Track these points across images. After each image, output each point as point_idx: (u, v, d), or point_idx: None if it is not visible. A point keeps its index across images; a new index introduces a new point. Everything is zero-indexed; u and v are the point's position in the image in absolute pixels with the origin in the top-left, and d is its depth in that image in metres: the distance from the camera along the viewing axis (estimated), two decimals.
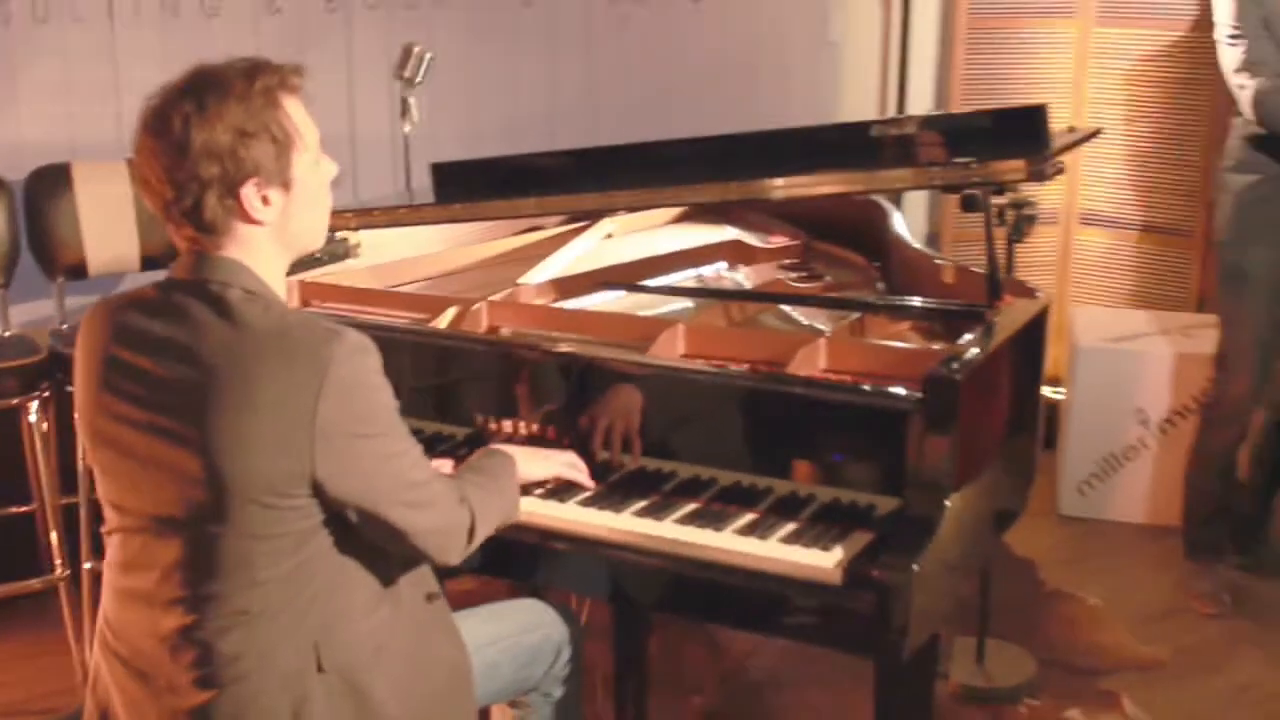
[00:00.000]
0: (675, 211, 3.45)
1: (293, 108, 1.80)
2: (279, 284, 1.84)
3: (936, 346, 2.42)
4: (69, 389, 2.62)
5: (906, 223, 3.11)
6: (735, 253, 3.13)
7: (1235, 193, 3.53)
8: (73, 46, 3.76)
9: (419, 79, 3.43)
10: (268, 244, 1.81)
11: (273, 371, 1.71)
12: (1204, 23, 4.24)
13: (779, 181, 2.60)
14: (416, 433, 1.93)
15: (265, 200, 1.77)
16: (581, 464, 2.24)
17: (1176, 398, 4.06)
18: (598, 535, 2.14)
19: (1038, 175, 2.38)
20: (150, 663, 1.82)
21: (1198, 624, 3.57)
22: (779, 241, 3.25)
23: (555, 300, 2.75)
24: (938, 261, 2.82)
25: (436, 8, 4.18)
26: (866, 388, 2.13)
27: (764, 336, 2.52)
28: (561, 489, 2.23)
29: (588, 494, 2.22)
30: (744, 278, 3.02)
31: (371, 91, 4.09)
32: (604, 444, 2.28)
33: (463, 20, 4.25)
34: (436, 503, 1.87)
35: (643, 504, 2.19)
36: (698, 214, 3.44)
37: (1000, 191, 2.43)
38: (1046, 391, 4.25)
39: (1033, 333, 2.45)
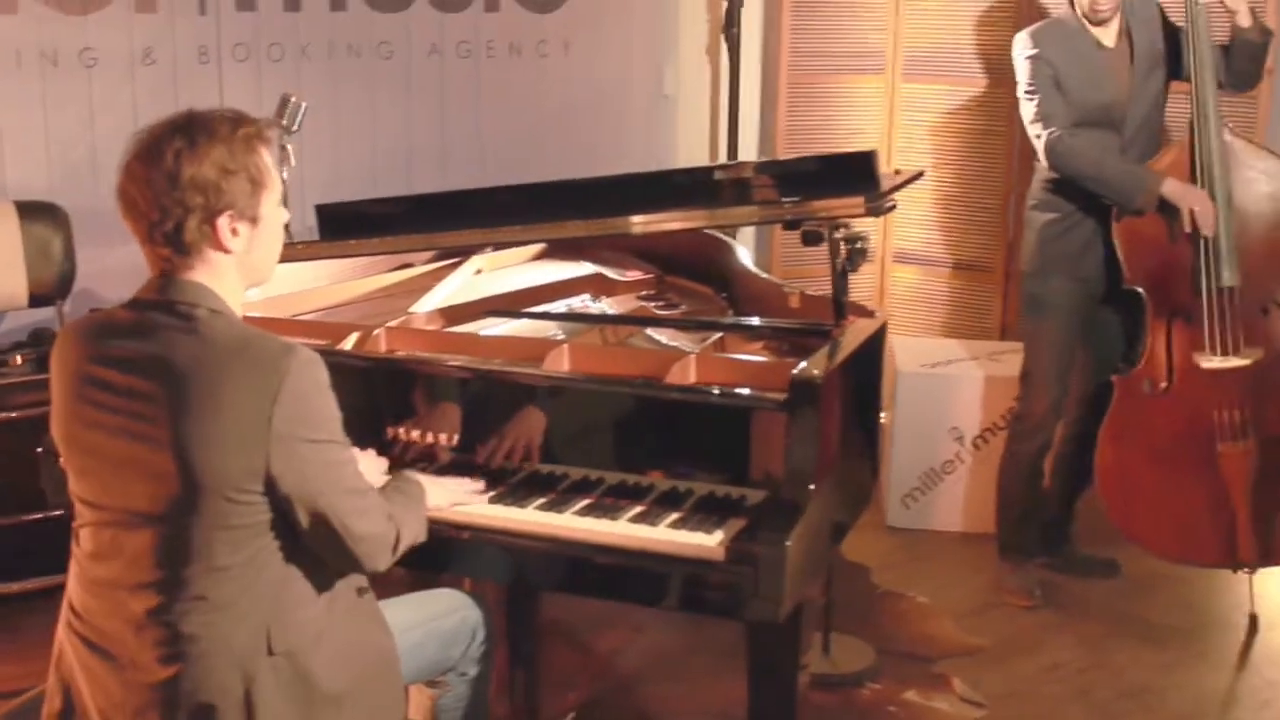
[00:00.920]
0: (537, 249, 3.72)
1: (265, 155, 2.04)
2: (238, 307, 2.07)
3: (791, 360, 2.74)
4: None
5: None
6: (598, 285, 3.40)
7: (1037, 229, 3.92)
8: None
9: (295, 127, 3.62)
10: (231, 271, 2.04)
11: (235, 380, 1.94)
12: (998, 80, 4.73)
13: (642, 218, 2.90)
14: None
15: (235, 231, 2.01)
16: (477, 487, 2.49)
17: (987, 416, 4.43)
18: (506, 527, 2.41)
19: (874, 211, 2.71)
20: (115, 642, 2.02)
21: (1013, 615, 3.95)
22: (635, 275, 3.54)
23: (445, 327, 3.00)
24: (784, 289, 3.16)
25: (302, 59, 4.40)
26: (740, 391, 2.45)
27: (640, 354, 2.81)
28: None
29: (493, 493, 2.49)
30: (608, 307, 3.31)
31: None
32: (506, 450, 2.54)
33: (325, 70, 4.48)
34: (370, 512, 2.10)
35: (543, 500, 2.47)
36: (557, 251, 3.68)
37: (838, 227, 2.76)
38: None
39: (873, 347, 2.79)
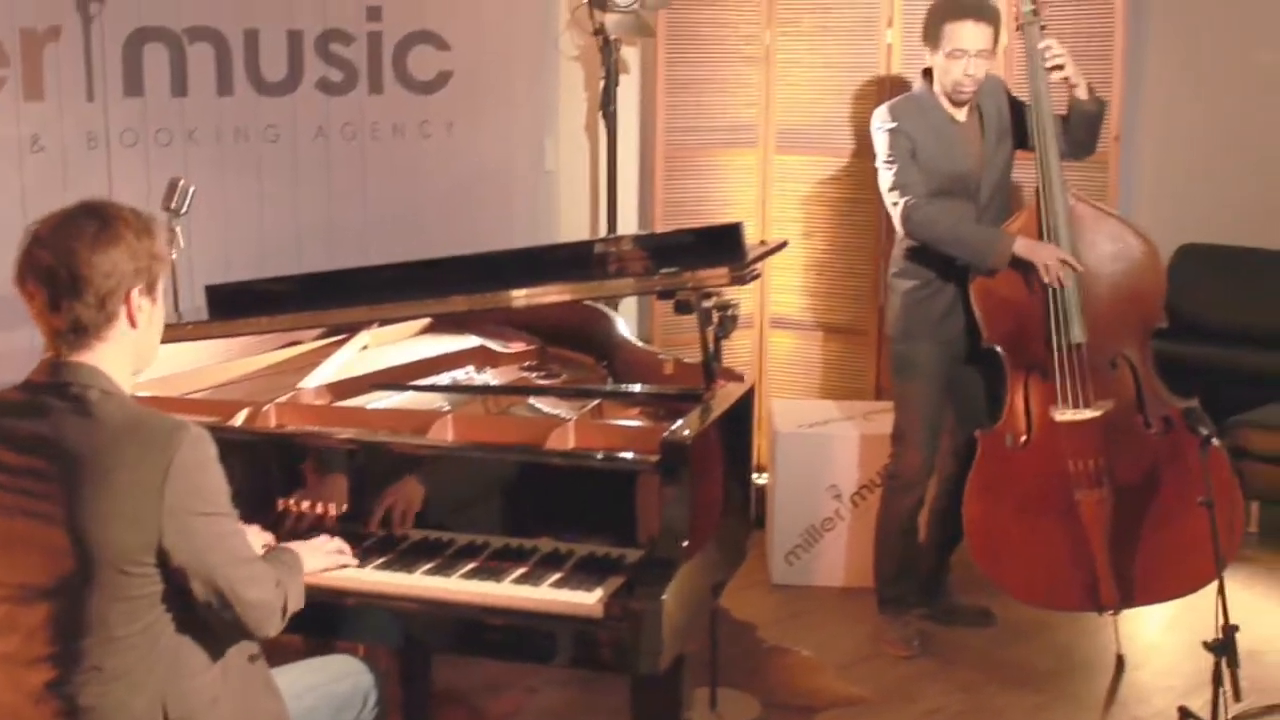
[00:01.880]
0: (422, 324, 3.82)
1: (161, 240, 2.15)
2: (128, 389, 2.16)
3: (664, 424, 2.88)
4: None
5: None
6: (481, 358, 3.51)
7: (900, 295, 4.11)
8: None
9: (184, 210, 3.69)
10: (123, 354, 2.14)
11: (127, 457, 2.03)
12: (866, 152, 4.91)
13: (521, 292, 3.05)
14: None
15: (139, 308, 2.11)
16: (346, 548, 2.60)
17: (864, 473, 4.58)
18: (394, 593, 2.52)
19: (739, 280, 2.89)
20: (13, 716, 2.08)
21: (892, 665, 4.08)
22: (518, 347, 3.66)
23: (333, 401, 3.09)
24: (660, 357, 3.31)
25: (189, 143, 4.48)
26: (616, 454, 2.58)
27: (520, 422, 2.94)
28: (359, 557, 2.59)
29: (382, 560, 2.59)
30: (491, 378, 3.42)
31: None
32: (396, 518, 2.65)
33: (213, 154, 4.55)
34: (260, 580, 2.19)
35: (430, 565, 2.58)
36: (442, 325, 3.76)
37: (708, 296, 2.93)
38: (754, 478, 4.77)
39: (743, 409, 2.95)
